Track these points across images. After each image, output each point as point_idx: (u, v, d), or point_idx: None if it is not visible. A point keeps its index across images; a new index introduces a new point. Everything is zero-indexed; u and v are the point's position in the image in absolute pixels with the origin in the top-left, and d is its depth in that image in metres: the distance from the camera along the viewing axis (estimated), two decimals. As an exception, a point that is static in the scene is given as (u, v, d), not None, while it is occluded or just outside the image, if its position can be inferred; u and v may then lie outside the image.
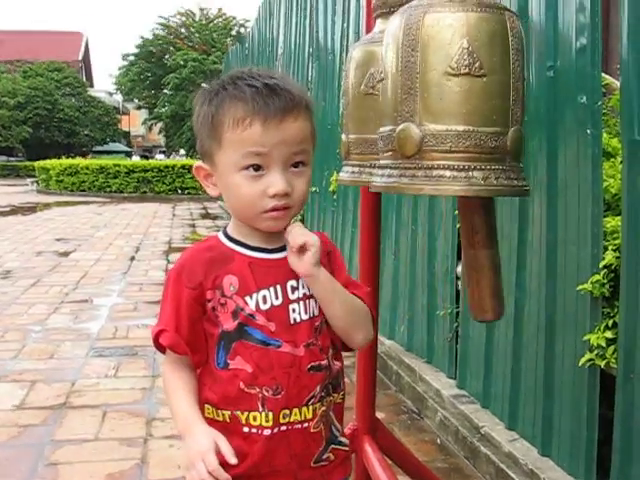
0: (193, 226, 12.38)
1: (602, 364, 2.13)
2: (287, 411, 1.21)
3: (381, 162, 1.44)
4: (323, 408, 1.25)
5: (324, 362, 1.25)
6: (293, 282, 1.25)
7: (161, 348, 1.25)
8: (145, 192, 20.61)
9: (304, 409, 1.23)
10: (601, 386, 2.21)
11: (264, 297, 1.22)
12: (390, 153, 1.38)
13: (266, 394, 1.20)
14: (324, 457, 1.27)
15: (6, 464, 2.74)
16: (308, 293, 1.25)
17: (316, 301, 1.26)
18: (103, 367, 3.98)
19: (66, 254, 8.59)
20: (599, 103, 2.18)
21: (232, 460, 1.13)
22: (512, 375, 2.68)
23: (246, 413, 1.20)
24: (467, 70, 1.28)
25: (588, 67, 2.21)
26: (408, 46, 1.32)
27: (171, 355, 1.24)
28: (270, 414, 1.20)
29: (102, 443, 2.93)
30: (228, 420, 1.22)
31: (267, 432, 1.20)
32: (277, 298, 1.23)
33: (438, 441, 3.01)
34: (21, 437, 3.00)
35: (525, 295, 2.59)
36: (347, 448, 1.33)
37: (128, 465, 2.72)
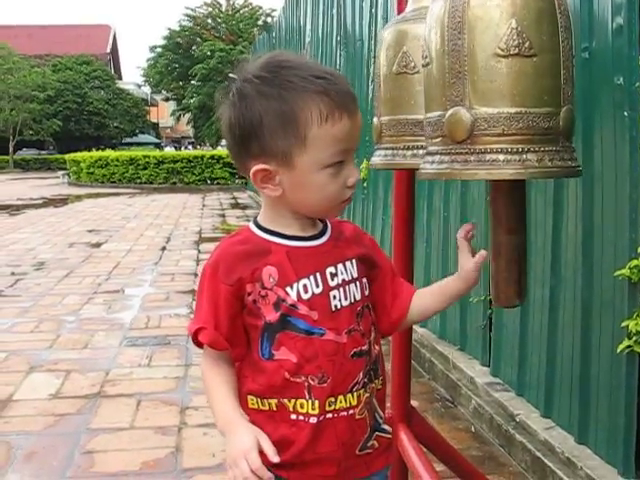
0: (223, 216, 12.44)
1: (641, 351, 2.09)
2: (332, 399, 1.20)
3: (430, 148, 1.41)
4: (367, 395, 1.25)
5: (365, 347, 1.24)
6: (332, 268, 1.23)
7: (199, 344, 1.23)
8: (175, 183, 20.76)
9: (349, 396, 1.22)
10: (639, 373, 2.18)
11: (305, 286, 1.20)
12: (440, 139, 1.35)
13: (312, 382, 1.19)
14: (369, 444, 1.26)
15: (43, 452, 2.77)
16: (347, 279, 1.25)
17: (356, 286, 1.25)
18: (136, 356, 4.02)
19: (98, 245, 8.69)
20: (637, 84, 2.13)
21: (274, 459, 1.11)
22: (547, 362, 2.65)
23: (293, 400, 1.19)
24: (517, 50, 1.25)
25: (625, 47, 2.15)
26: (454, 29, 1.29)
27: (210, 351, 1.22)
28: (316, 402, 1.19)
29: (137, 432, 2.96)
30: (275, 408, 1.20)
31: (313, 420, 1.19)
32: (317, 286, 1.21)
33: (472, 429, 2.99)
34: (57, 426, 3.04)
35: (560, 282, 2.56)
36: (390, 435, 1.32)
37: (163, 453, 2.74)
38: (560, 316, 2.56)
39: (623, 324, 2.14)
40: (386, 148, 1.75)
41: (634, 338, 2.10)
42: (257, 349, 1.21)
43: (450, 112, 1.30)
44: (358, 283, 1.26)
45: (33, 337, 4.47)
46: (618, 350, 2.16)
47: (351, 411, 1.22)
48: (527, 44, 1.25)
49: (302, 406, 1.19)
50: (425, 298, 1.35)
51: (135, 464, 2.66)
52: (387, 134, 1.74)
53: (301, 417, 1.20)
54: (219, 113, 1.24)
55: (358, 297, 1.25)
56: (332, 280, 1.23)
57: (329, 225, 1.29)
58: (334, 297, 1.22)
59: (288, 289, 1.19)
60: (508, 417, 2.79)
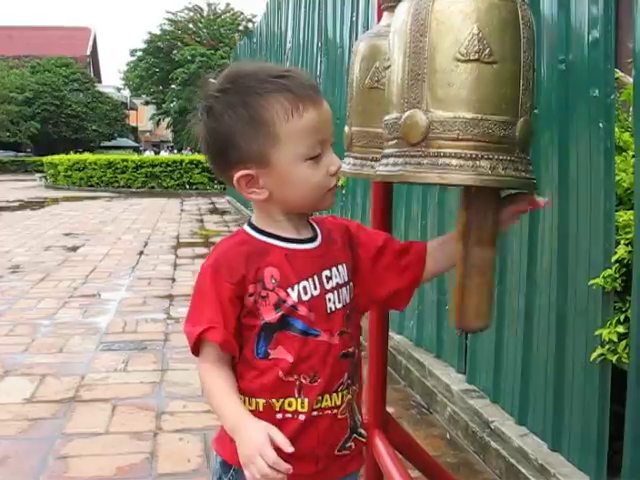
0: (201, 221, 12.39)
1: (614, 359, 2.12)
2: (320, 397, 1.24)
3: (386, 151, 1.41)
4: (349, 396, 1.29)
5: (352, 349, 1.29)
6: (327, 272, 1.27)
7: (197, 348, 1.22)
8: (153, 187, 20.64)
9: (334, 395, 1.26)
10: (612, 381, 2.20)
11: (304, 288, 1.24)
12: (395, 141, 1.36)
13: (303, 381, 1.22)
14: (347, 446, 1.30)
15: (17, 457, 2.75)
16: (340, 282, 1.29)
17: (347, 289, 1.30)
18: (112, 361, 3.99)
19: (75, 249, 8.62)
20: (612, 97, 2.16)
21: (289, 449, 1.11)
22: (522, 370, 2.67)
23: (281, 400, 1.22)
24: (477, 56, 1.24)
25: (601, 60, 2.19)
26: (417, 31, 1.29)
27: (211, 354, 1.22)
28: (306, 400, 1.22)
29: (112, 437, 2.94)
30: (261, 409, 1.22)
31: (302, 417, 1.23)
32: (315, 288, 1.25)
33: (448, 436, 3.01)
34: (31, 430, 3.01)
35: (536, 290, 2.58)
36: (365, 440, 1.35)
37: (138, 459, 2.73)
38: (535, 324, 2.59)
39: (597, 333, 2.17)
40: (355, 157, 1.76)
41: (607, 346, 2.13)
42: (252, 348, 1.22)
43: (407, 114, 1.30)
44: (348, 287, 1.31)
45: (8, 341, 4.42)
46: (592, 358, 2.19)
47: (334, 410, 1.26)
48: (487, 51, 1.25)
49: (290, 404, 1.22)
50: (437, 252, 1.42)
51: (110, 469, 2.64)
52: (357, 144, 1.76)
53: (288, 415, 1.22)
54: (196, 134, 1.27)
55: (348, 300, 1.30)
56: (327, 283, 1.27)
57: (317, 228, 1.32)
58: (329, 300, 1.26)
59: (289, 290, 1.22)
60: (483, 424, 2.81)
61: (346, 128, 1.81)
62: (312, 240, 1.29)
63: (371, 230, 1.45)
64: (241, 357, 1.24)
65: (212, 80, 1.25)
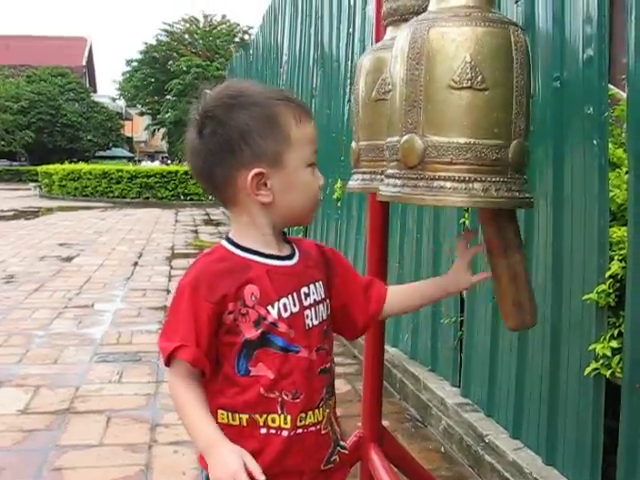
0: (196, 232, 12.40)
1: (607, 374, 2.13)
2: (303, 414, 1.25)
3: (388, 172, 1.46)
4: (327, 410, 1.31)
5: (328, 365, 1.32)
6: (305, 289, 1.29)
7: (168, 363, 1.23)
8: (148, 198, 20.63)
9: (316, 411, 1.27)
10: (605, 396, 2.22)
11: (284, 305, 1.25)
12: (395, 163, 1.41)
13: (285, 398, 1.23)
14: (332, 460, 1.31)
15: (11, 469, 2.74)
16: (317, 299, 1.31)
17: (324, 306, 1.32)
18: (107, 372, 3.99)
19: (69, 259, 8.61)
20: (606, 114, 2.19)
21: (261, 478, 1.13)
22: (517, 384, 2.68)
23: (265, 415, 1.23)
24: (469, 84, 1.30)
25: (595, 78, 2.22)
26: (413, 59, 1.34)
27: (181, 369, 1.22)
28: (289, 417, 1.23)
29: (106, 449, 2.94)
30: (245, 424, 1.23)
31: (285, 433, 1.23)
32: (295, 305, 1.26)
33: (442, 449, 3.02)
34: (25, 442, 3.01)
35: (530, 304, 2.59)
36: (346, 451, 1.37)
37: (132, 471, 2.73)
38: (530, 338, 2.60)
39: (590, 347, 2.19)
40: (364, 172, 1.78)
41: (601, 361, 2.15)
42: (233, 365, 1.23)
43: (405, 138, 1.36)
44: (325, 304, 1.33)
45: (2, 351, 4.42)
46: (586, 373, 2.21)
47: (318, 426, 1.28)
48: (479, 78, 1.30)
49: (274, 421, 1.23)
50: (401, 296, 1.47)
51: (104, 481, 2.64)
52: (365, 158, 1.78)
53: (272, 431, 1.23)
54: (192, 143, 1.26)
55: (324, 317, 1.32)
56: (306, 300, 1.28)
57: (294, 245, 1.34)
58: (307, 316, 1.28)
59: (269, 308, 1.23)
60: (477, 438, 2.82)
61: (353, 144, 1.84)
62: (291, 257, 1.31)
63: (343, 256, 1.48)
64: (222, 373, 1.24)
65: (208, 91, 1.28)
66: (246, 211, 1.27)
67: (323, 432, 1.29)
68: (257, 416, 1.23)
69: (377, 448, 1.98)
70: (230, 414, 1.24)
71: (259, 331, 1.22)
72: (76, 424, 3.21)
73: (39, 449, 2.93)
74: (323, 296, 1.33)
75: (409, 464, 2.09)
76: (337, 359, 4.50)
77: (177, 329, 1.22)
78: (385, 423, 2.11)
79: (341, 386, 3.77)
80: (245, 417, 1.23)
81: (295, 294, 1.27)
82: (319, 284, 1.33)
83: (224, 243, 1.29)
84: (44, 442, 3.00)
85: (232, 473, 1.12)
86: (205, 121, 1.24)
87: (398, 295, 1.46)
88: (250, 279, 1.23)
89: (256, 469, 1.14)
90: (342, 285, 1.39)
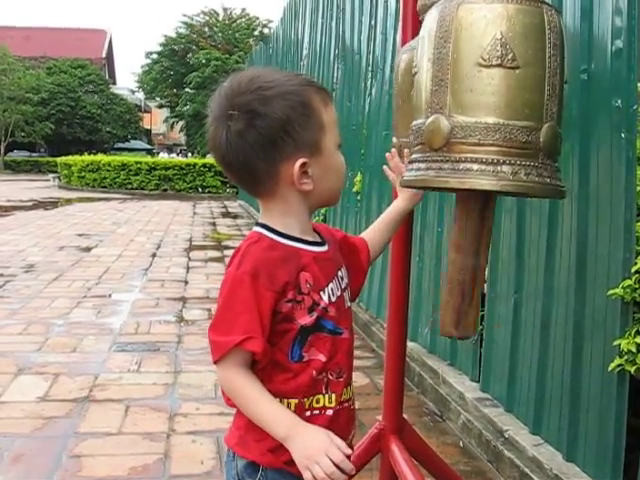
0: (214, 224, 12.42)
1: (632, 370, 2.11)
2: (344, 390, 1.29)
3: (412, 156, 1.42)
4: (352, 386, 1.35)
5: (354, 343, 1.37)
6: (340, 272, 1.33)
7: (218, 358, 1.19)
8: (166, 190, 20.71)
9: (349, 388, 1.32)
10: (629, 393, 2.19)
11: (332, 290, 1.27)
12: (419, 147, 1.37)
13: (331, 378, 1.26)
14: (352, 432, 1.35)
15: (30, 455, 2.76)
16: (347, 281, 1.35)
17: (350, 287, 1.37)
18: (126, 362, 4.01)
19: (88, 249, 8.65)
20: (634, 107, 2.16)
21: (348, 451, 1.14)
22: (537, 379, 2.66)
23: (311, 398, 1.25)
24: (499, 61, 1.25)
25: (624, 70, 2.19)
26: (441, 37, 1.30)
27: (240, 360, 1.19)
28: (333, 395, 1.26)
29: (125, 437, 2.95)
30: (293, 408, 1.23)
31: (330, 412, 1.26)
32: (337, 289, 1.29)
33: (461, 444, 3.00)
34: (45, 429, 3.02)
35: (553, 299, 2.57)
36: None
37: (151, 459, 2.73)
38: (552, 333, 2.58)
39: (615, 343, 2.16)
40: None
41: (625, 357, 2.12)
42: (286, 352, 1.23)
43: (430, 119, 1.31)
44: (350, 285, 1.37)
45: (22, 339, 4.44)
46: (609, 369, 2.18)
47: (349, 402, 1.32)
48: (510, 56, 1.24)
49: (318, 401, 1.25)
50: (376, 238, 1.56)
51: (123, 469, 2.64)
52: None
53: (316, 412, 1.25)
54: (226, 142, 1.21)
55: (351, 297, 1.37)
56: (342, 283, 1.32)
57: (318, 231, 1.36)
58: (345, 298, 1.32)
59: (322, 293, 1.25)
60: (497, 433, 2.80)
61: (394, 139, 1.83)
62: (324, 243, 1.32)
63: (341, 231, 1.53)
64: (270, 362, 1.22)
65: (226, 84, 1.24)
66: (285, 201, 1.25)
67: (352, 407, 1.33)
68: (305, 399, 1.24)
69: (398, 440, 1.97)
70: (279, 400, 1.22)
71: (314, 317, 1.23)
72: (95, 412, 3.22)
73: (58, 436, 2.94)
74: (348, 279, 1.36)
75: (429, 457, 2.08)
76: (355, 352, 4.47)
77: (237, 321, 1.18)
78: (404, 417, 2.10)
79: (359, 379, 3.76)
80: (294, 402, 1.23)
81: (336, 278, 1.30)
82: (344, 267, 1.36)
83: (264, 231, 1.25)
84: (63, 429, 3.02)
85: (325, 448, 1.12)
86: (240, 115, 1.19)
87: (372, 238, 1.54)
88: (303, 266, 1.24)
89: (343, 444, 1.15)
90: (348, 259, 1.42)
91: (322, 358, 1.24)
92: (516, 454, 2.61)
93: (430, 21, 1.35)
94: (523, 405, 2.78)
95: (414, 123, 1.41)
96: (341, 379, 1.27)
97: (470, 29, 1.28)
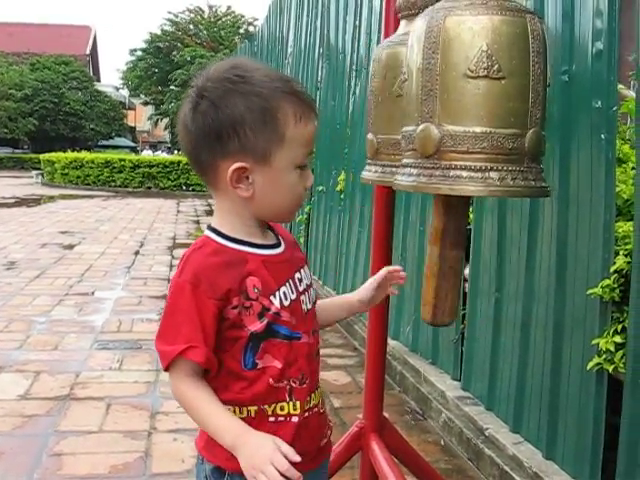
0: (197, 222, 12.40)
1: (610, 369, 2.13)
2: (309, 397, 1.26)
3: (404, 161, 1.45)
4: (320, 389, 1.32)
5: (319, 345, 1.33)
6: (298, 274, 1.28)
7: (166, 367, 1.18)
8: (150, 187, 20.64)
9: (317, 392, 1.29)
10: (607, 391, 2.21)
11: (284, 293, 1.23)
12: (411, 152, 1.40)
13: (293, 385, 1.22)
14: (327, 434, 1.34)
15: (11, 453, 2.74)
16: (308, 283, 1.31)
17: (312, 289, 1.32)
18: (107, 360, 3.99)
19: (71, 247, 8.61)
20: (614, 108, 2.18)
21: (295, 458, 1.09)
22: (518, 378, 2.68)
23: (273, 405, 1.22)
24: (485, 73, 1.29)
25: (604, 72, 2.21)
26: (429, 48, 1.33)
27: (186, 370, 1.17)
28: (297, 403, 1.23)
29: (106, 435, 2.94)
30: (253, 415, 1.21)
31: (295, 419, 1.23)
32: (292, 292, 1.25)
33: (442, 442, 3.01)
34: (25, 427, 3.01)
35: (533, 299, 2.59)
36: (331, 423, 1.39)
37: (132, 457, 2.73)
38: (532, 332, 2.60)
39: (594, 342, 2.19)
40: (383, 165, 1.77)
41: (604, 356, 2.15)
42: (239, 360, 1.20)
43: (421, 127, 1.35)
44: (313, 286, 1.34)
45: (2, 337, 4.41)
46: (588, 367, 2.21)
47: (318, 407, 1.29)
48: (496, 67, 1.29)
49: (282, 408, 1.22)
50: (331, 309, 1.50)
51: (104, 467, 2.64)
52: (385, 152, 1.76)
53: (281, 418, 1.22)
54: (184, 119, 1.20)
55: (314, 299, 1.32)
56: (300, 285, 1.28)
57: (275, 231, 1.31)
58: (303, 301, 1.27)
59: (272, 298, 1.21)
60: (477, 431, 2.82)
61: (370, 135, 1.81)
62: (278, 245, 1.28)
63: None
64: (224, 369, 1.20)
65: (212, 70, 1.21)
66: (229, 198, 1.22)
67: (321, 411, 1.30)
68: (266, 407, 1.21)
69: (378, 438, 1.98)
70: (238, 408, 1.21)
71: (264, 322, 1.19)
72: (76, 410, 3.21)
73: (39, 434, 2.93)
74: (310, 280, 1.32)
75: (409, 455, 2.09)
76: (337, 351, 4.52)
77: (179, 330, 1.16)
78: (385, 415, 2.11)
79: (341, 378, 3.77)
80: (254, 409, 1.21)
81: (291, 281, 1.25)
82: (305, 268, 1.32)
83: (211, 234, 1.23)
84: (44, 427, 3.00)
85: (269, 456, 1.08)
86: (200, 100, 1.18)
87: (320, 309, 1.40)
88: (250, 271, 1.19)
89: (290, 451, 1.10)
90: None
91: (278, 365, 1.20)
92: (496, 452, 2.63)
93: (418, 29, 1.38)
94: (503, 403, 2.80)
95: (405, 129, 1.44)
96: (304, 385, 1.24)
97: (457, 40, 1.31)
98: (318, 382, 1.31)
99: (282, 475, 1.07)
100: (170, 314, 1.18)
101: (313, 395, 1.27)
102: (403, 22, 1.78)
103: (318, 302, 1.39)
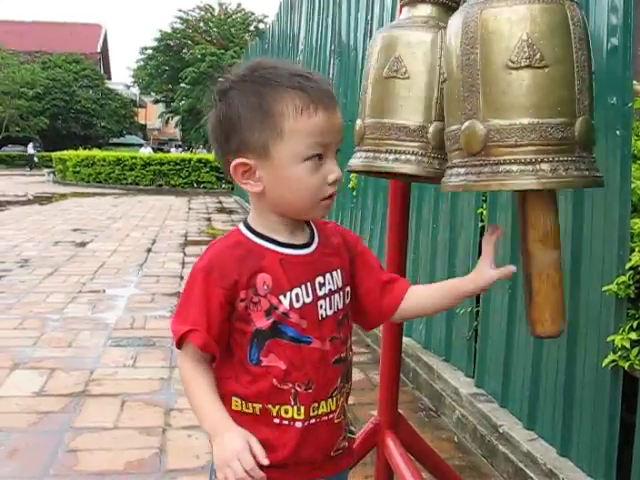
0: (209, 220, 12.42)
1: (626, 366, 2.12)
2: (316, 404, 1.23)
3: (450, 162, 1.43)
4: (342, 398, 1.28)
5: (344, 354, 1.28)
6: (320, 278, 1.26)
7: (179, 345, 1.22)
8: (161, 185, 20.70)
9: (329, 401, 1.25)
10: (622, 388, 2.21)
11: (297, 295, 1.22)
12: (457, 152, 1.37)
13: (298, 389, 1.21)
14: (341, 446, 1.30)
15: (27, 450, 2.76)
16: (333, 288, 1.27)
17: (340, 295, 1.28)
18: (121, 357, 4.01)
19: (83, 244, 8.65)
20: (629, 104, 2.17)
21: (264, 461, 1.11)
22: (532, 374, 2.67)
23: (277, 407, 1.21)
24: (527, 62, 1.26)
25: (619, 68, 2.20)
26: (467, 44, 1.31)
27: (192, 353, 1.21)
28: (302, 408, 1.22)
29: (121, 432, 2.96)
30: (258, 413, 1.22)
31: (299, 424, 1.22)
32: (308, 295, 1.23)
33: (455, 439, 3.02)
34: (41, 424, 3.03)
35: (547, 295, 2.58)
36: (354, 436, 1.37)
37: (147, 454, 2.74)
38: (546, 329, 2.59)
39: (609, 339, 2.18)
40: (367, 150, 1.74)
41: (619, 353, 2.14)
42: (245, 353, 1.21)
43: (465, 125, 1.32)
44: (342, 292, 1.29)
45: (17, 334, 4.45)
46: (603, 364, 2.20)
47: (331, 415, 1.26)
48: (538, 56, 1.26)
49: (287, 412, 1.22)
50: (421, 296, 1.37)
51: (119, 464, 2.65)
52: (370, 137, 1.73)
53: (285, 422, 1.22)
54: (207, 117, 1.26)
55: (340, 306, 1.28)
56: (320, 290, 1.25)
57: (315, 230, 1.30)
58: (321, 306, 1.24)
59: (281, 297, 1.21)
60: (491, 428, 2.81)
61: (358, 121, 1.79)
62: (307, 245, 1.27)
63: (368, 249, 1.41)
64: (235, 359, 1.23)
65: (239, 67, 1.25)
66: (252, 194, 1.25)
67: (336, 421, 1.27)
68: (270, 406, 1.21)
69: (393, 435, 1.98)
70: (244, 402, 1.22)
71: (270, 320, 1.20)
72: (91, 407, 3.23)
73: (54, 431, 2.95)
74: (340, 285, 1.29)
75: (424, 452, 2.09)
76: (350, 348, 4.50)
77: (189, 313, 1.21)
78: (399, 412, 2.11)
79: (354, 374, 3.73)
80: (258, 406, 1.22)
81: (309, 284, 1.24)
82: (337, 273, 1.29)
83: (241, 227, 1.27)
84: (59, 424, 3.02)
85: (238, 451, 1.10)
86: (214, 102, 1.24)
87: (418, 296, 1.37)
88: (263, 267, 1.20)
89: (260, 452, 1.11)
90: (359, 277, 1.35)
91: (282, 366, 1.20)
92: (510, 449, 2.63)
93: (454, 25, 1.37)
94: (517, 400, 2.80)
95: (449, 129, 1.42)
96: (310, 391, 1.22)
97: (496, 33, 1.29)
98: (339, 391, 1.27)
99: (247, 473, 1.08)
100: (184, 296, 1.24)
101: (324, 403, 1.24)
102: (405, 9, 1.77)
103: (412, 287, 1.36)
